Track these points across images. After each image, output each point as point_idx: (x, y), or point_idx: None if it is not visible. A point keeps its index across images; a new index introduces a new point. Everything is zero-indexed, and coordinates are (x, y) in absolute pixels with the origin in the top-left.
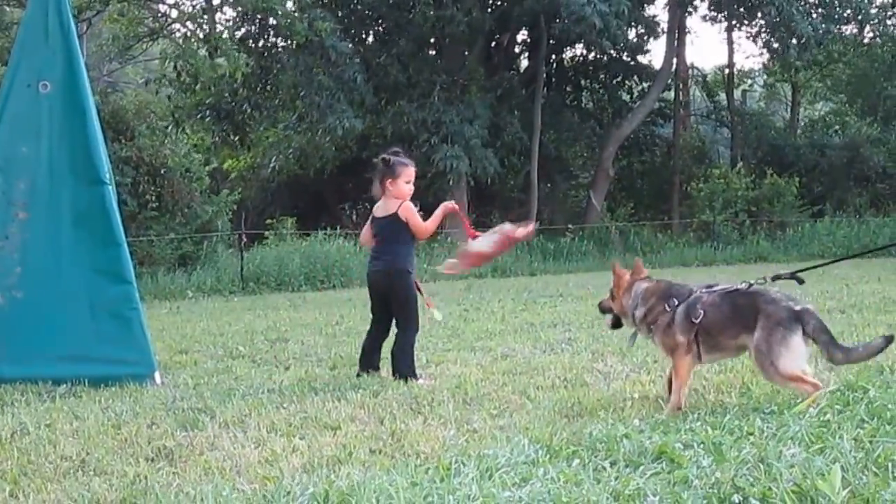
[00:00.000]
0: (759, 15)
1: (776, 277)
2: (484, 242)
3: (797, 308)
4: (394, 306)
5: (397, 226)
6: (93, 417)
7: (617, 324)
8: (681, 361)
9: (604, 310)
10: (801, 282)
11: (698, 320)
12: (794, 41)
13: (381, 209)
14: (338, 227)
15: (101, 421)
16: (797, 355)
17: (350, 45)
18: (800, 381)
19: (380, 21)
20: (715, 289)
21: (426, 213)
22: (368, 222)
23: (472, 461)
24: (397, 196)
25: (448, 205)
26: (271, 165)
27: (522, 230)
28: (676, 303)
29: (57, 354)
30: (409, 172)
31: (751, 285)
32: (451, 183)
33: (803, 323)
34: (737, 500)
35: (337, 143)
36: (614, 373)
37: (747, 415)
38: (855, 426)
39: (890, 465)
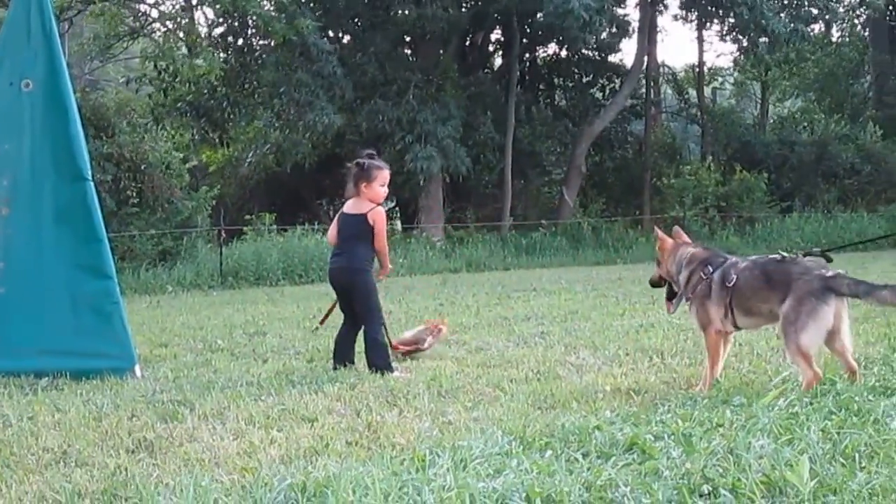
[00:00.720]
0: (731, 13)
1: (807, 254)
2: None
3: (829, 275)
4: (355, 303)
5: (364, 227)
6: (74, 410)
7: (672, 293)
8: (710, 339)
9: (654, 283)
10: (829, 260)
11: (731, 284)
12: (765, 39)
13: (351, 207)
14: (315, 223)
15: (83, 413)
16: (822, 329)
17: (328, 43)
18: (808, 362)
19: (356, 19)
20: (750, 257)
21: (401, 208)
22: (336, 219)
23: (447, 452)
24: (371, 198)
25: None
26: (248, 162)
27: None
28: (712, 270)
29: (39, 348)
30: (383, 175)
31: (784, 258)
32: (423, 182)
33: (836, 288)
34: (706, 491)
35: (314, 140)
36: (587, 366)
37: (717, 407)
38: (822, 418)
39: (857, 455)
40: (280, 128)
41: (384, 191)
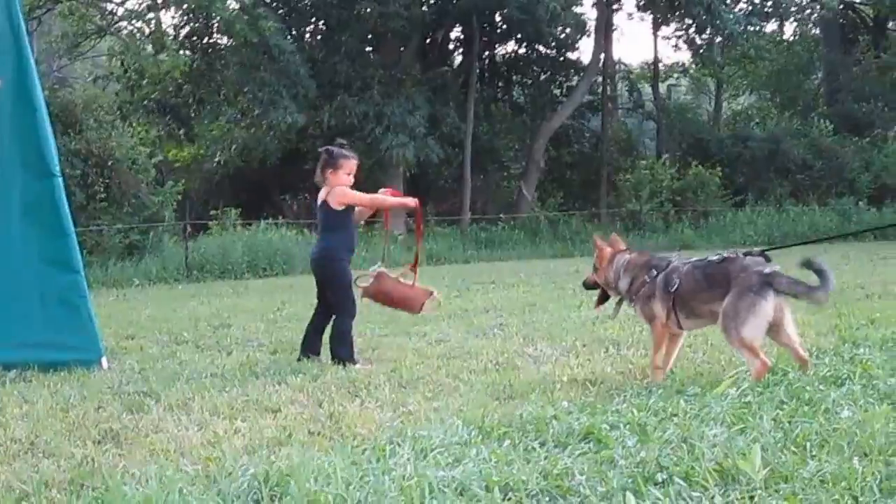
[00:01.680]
0: (685, 12)
1: (746, 254)
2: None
3: (767, 271)
4: (327, 292)
5: (327, 213)
6: (42, 401)
7: (604, 298)
8: (656, 331)
9: (588, 286)
10: (768, 260)
11: (674, 289)
12: (719, 38)
13: (319, 196)
14: (279, 217)
15: (50, 405)
16: (762, 322)
17: (292, 42)
18: (754, 352)
19: (321, 18)
20: (690, 260)
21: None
22: None
23: (408, 442)
24: (336, 186)
25: (413, 202)
26: (214, 159)
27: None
28: (656, 273)
29: (7, 341)
30: (350, 165)
31: (724, 258)
32: (389, 173)
33: (774, 284)
34: (661, 479)
35: (279, 137)
36: (544, 357)
37: (671, 397)
38: (774, 407)
39: (808, 444)
40: (246, 126)
41: (349, 180)
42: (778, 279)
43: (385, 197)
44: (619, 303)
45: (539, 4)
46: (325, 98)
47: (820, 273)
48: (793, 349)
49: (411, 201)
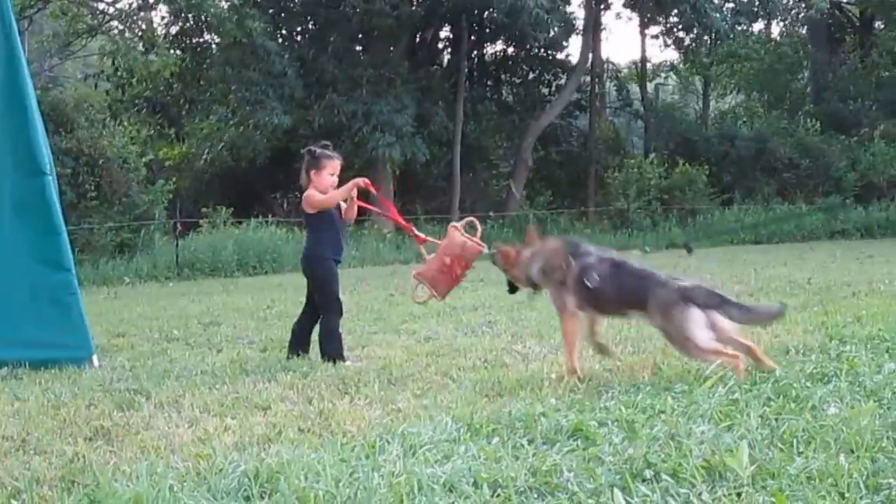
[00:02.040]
0: (674, 11)
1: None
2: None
3: (685, 285)
4: (314, 291)
5: (307, 216)
6: (33, 399)
7: (514, 288)
8: (565, 324)
9: (512, 291)
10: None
11: (593, 286)
12: (706, 38)
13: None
14: (269, 216)
15: (42, 402)
16: (703, 326)
17: (280, 42)
18: (719, 353)
19: (310, 18)
20: (606, 255)
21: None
22: None
23: (397, 439)
24: (319, 186)
25: (359, 180)
26: (204, 157)
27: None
28: (573, 260)
29: None
30: (333, 165)
31: (647, 252)
32: (378, 172)
33: (693, 298)
34: (649, 476)
35: (267, 136)
36: (532, 354)
37: (659, 394)
38: (762, 404)
39: (795, 441)
40: (235, 124)
41: (333, 180)
42: (696, 293)
43: (335, 192)
44: (536, 292)
45: (523, 11)
46: (315, 97)
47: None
48: (735, 343)
49: (360, 181)
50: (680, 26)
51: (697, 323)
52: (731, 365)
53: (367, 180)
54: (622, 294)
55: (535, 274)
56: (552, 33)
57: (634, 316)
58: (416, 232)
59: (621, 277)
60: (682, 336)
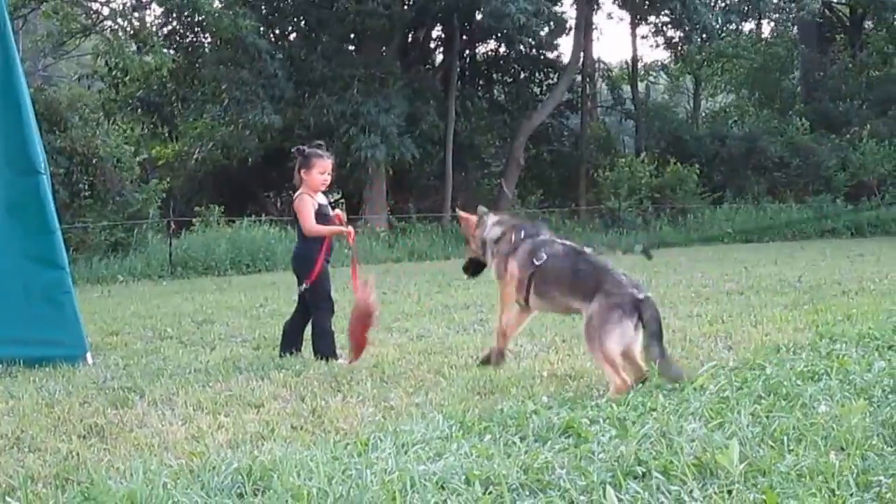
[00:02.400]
0: (665, 10)
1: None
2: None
3: (639, 296)
4: (305, 291)
5: (296, 216)
6: (27, 397)
7: (477, 269)
8: (506, 288)
9: (466, 269)
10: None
11: (539, 262)
12: (697, 37)
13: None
14: (262, 215)
15: (36, 400)
16: (625, 339)
17: (271, 41)
18: (615, 369)
19: (302, 17)
20: (567, 242)
21: (346, 199)
22: None
23: (389, 437)
24: (310, 185)
25: (345, 231)
26: (195, 156)
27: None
28: (524, 236)
29: None
30: (323, 164)
31: (595, 250)
32: (370, 171)
33: (641, 311)
34: (640, 473)
35: (259, 135)
36: (524, 352)
37: (650, 392)
38: (752, 402)
39: (785, 438)
40: (227, 123)
41: (324, 179)
42: (647, 307)
43: (320, 227)
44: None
45: (507, 17)
46: (308, 97)
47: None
48: (634, 364)
49: (344, 230)
50: (670, 24)
51: (624, 335)
52: (614, 388)
53: (351, 232)
54: (575, 278)
55: (490, 238)
56: (541, 33)
57: (574, 309)
58: (356, 284)
59: (578, 263)
60: (602, 329)
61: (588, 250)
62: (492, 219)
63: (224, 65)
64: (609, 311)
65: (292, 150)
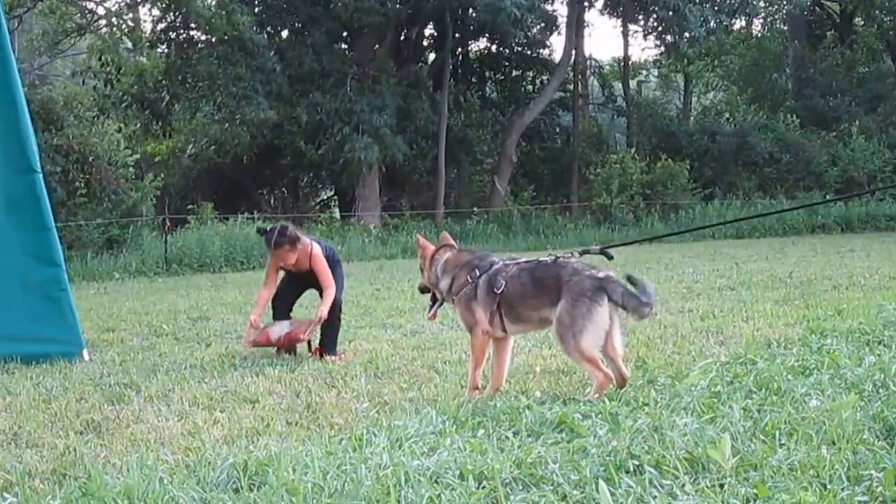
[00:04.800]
0: (654, 10)
1: (584, 252)
2: (277, 330)
3: (600, 276)
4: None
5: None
6: (24, 393)
7: (435, 297)
8: (477, 340)
9: (422, 290)
10: (610, 257)
11: (500, 290)
12: (686, 35)
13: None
14: (255, 212)
15: (33, 396)
16: (600, 331)
17: (266, 38)
18: (595, 365)
19: (295, 14)
20: (518, 261)
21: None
22: None
23: (383, 432)
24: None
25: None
26: (188, 153)
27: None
28: (479, 274)
29: None
30: (277, 257)
31: (557, 258)
32: (364, 170)
33: (609, 291)
34: (632, 467)
35: (252, 131)
36: (517, 348)
37: (643, 387)
38: (744, 397)
39: (777, 433)
40: (220, 120)
41: (287, 263)
42: (612, 285)
43: (300, 320)
44: (440, 303)
45: (501, 11)
46: (301, 94)
47: (640, 285)
48: (616, 363)
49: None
50: (660, 29)
51: (596, 324)
52: (596, 384)
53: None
54: (537, 288)
55: (443, 288)
56: (533, 31)
57: (549, 319)
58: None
59: (534, 273)
60: (573, 328)
61: (547, 259)
62: (443, 257)
63: (219, 61)
64: (575, 305)
65: (257, 229)
